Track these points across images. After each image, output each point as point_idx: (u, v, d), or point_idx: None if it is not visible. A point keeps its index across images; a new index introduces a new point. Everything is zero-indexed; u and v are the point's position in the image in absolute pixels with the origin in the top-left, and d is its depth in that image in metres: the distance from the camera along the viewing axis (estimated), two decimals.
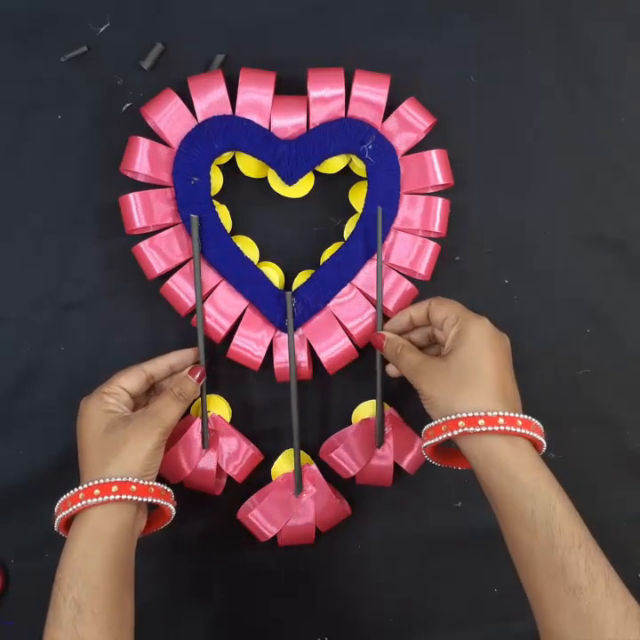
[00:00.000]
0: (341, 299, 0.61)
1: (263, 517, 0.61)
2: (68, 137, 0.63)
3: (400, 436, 0.62)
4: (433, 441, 0.52)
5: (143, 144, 0.59)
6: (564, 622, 0.46)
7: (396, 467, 0.62)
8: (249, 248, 0.62)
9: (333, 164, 0.61)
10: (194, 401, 0.59)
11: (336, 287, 0.61)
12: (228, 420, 0.63)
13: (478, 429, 0.50)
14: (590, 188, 0.64)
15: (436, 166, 0.60)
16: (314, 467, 0.62)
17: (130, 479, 0.51)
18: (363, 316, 0.61)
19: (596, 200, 0.64)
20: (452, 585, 0.65)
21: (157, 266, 0.60)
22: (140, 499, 0.52)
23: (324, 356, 0.61)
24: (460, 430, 0.50)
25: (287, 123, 0.59)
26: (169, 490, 0.55)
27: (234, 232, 0.62)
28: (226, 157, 0.61)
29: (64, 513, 0.51)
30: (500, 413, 0.50)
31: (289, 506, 0.61)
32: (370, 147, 0.59)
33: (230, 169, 0.62)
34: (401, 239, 0.61)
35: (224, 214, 0.61)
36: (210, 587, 0.64)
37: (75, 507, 0.51)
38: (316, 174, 0.61)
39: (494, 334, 0.54)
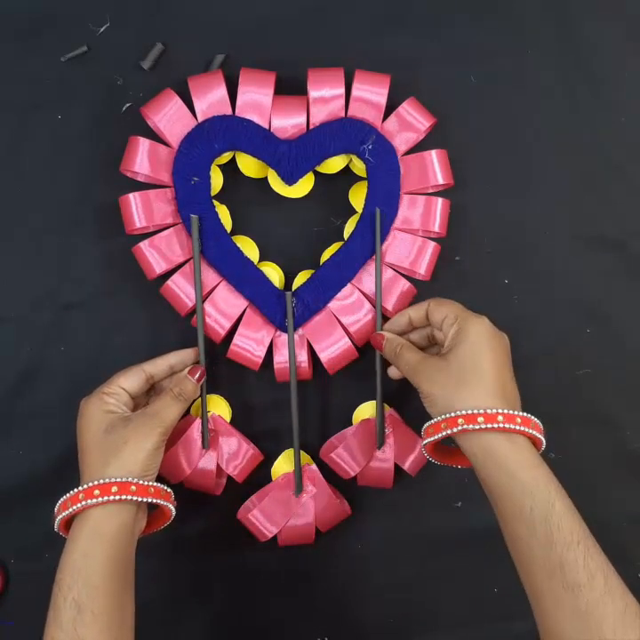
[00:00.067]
0: (341, 299, 0.61)
1: (263, 517, 0.61)
2: (68, 137, 0.63)
3: (401, 437, 0.61)
4: (432, 438, 0.52)
5: (143, 144, 0.59)
6: (563, 620, 0.46)
7: (397, 467, 0.62)
8: (249, 248, 0.62)
9: (333, 164, 0.61)
10: (194, 401, 0.59)
11: (336, 287, 0.61)
12: (228, 420, 0.63)
13: (477, 427, 0.50)
14: (590, 188, 0.64)
15: (435, 166, 0.60)
16: (314, 467, 0.62)
17: (130, 479, 0.51)
18: (362, 316, 0.61)
19: (596, 200, 0.64)
20: (452, 585, 0.65)
21: (157, 266, 0.60)
22: (139, 499, 0.52)
23: (324, 356, 0.61)
24: (460, 428, 0.50)
25: (287, 123, 0.59)
26: (169, 490, 0.55)
27: (234, 232, 0.62)
28: (226, 157, 0.61)
29: (64, 513, 0.51)
30: (500, 411, 0.50)
31: (289, 506, 0.61)
32: (370, 147, 0.59)
33: (230, 169, 0.62)
34: (401, 239, 0.61)
35: (224, 214, 0.61)
36: (210, 587, 0.64)
37: (75, 507, 0.51)
38: (316, 174, 0.61)
39: (494, 333, 0.54)
